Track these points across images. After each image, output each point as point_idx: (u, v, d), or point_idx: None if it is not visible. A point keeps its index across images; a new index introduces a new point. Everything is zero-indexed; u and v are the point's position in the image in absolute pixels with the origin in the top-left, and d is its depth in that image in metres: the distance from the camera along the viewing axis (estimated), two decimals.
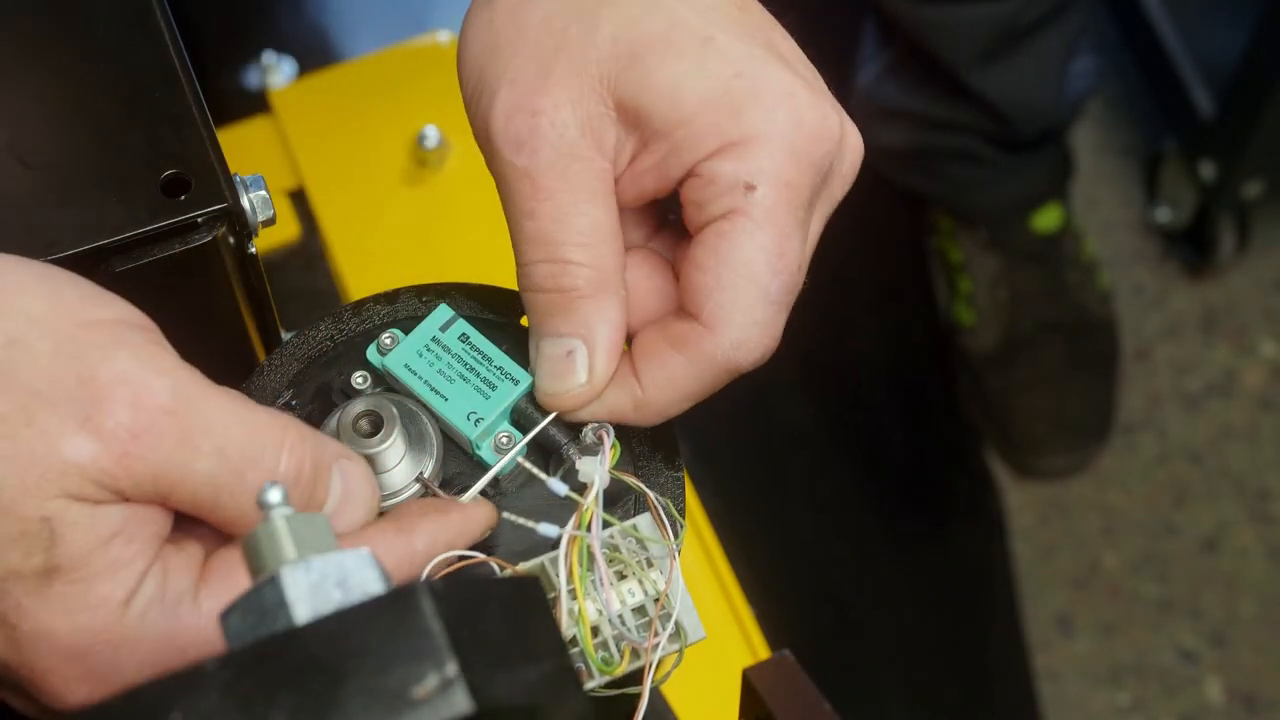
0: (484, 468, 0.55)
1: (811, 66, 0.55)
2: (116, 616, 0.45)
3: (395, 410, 0.53)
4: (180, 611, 0.46)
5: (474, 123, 0.54)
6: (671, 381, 0.53)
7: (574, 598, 0.50)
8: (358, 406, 0.53)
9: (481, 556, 0.52)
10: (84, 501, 0.45)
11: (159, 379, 0.46)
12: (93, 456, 0.44)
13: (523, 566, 0.52)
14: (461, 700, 0.36)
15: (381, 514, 0.54)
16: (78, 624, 0.45)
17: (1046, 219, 1.74)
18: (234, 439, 0.46)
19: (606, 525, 0.52)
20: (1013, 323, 1.76)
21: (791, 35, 0.56)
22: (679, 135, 0.51)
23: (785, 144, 0.51)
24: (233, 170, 0.58)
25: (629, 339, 0.54)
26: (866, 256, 1.88)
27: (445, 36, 1.03)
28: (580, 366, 0.53)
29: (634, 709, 0.50)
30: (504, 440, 0.55)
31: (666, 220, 0.57)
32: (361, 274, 0.94)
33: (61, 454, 0.44)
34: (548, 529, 0.51)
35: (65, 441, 0.44)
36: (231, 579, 0.47)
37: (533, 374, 0.54)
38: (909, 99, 1.63)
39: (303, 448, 0.48)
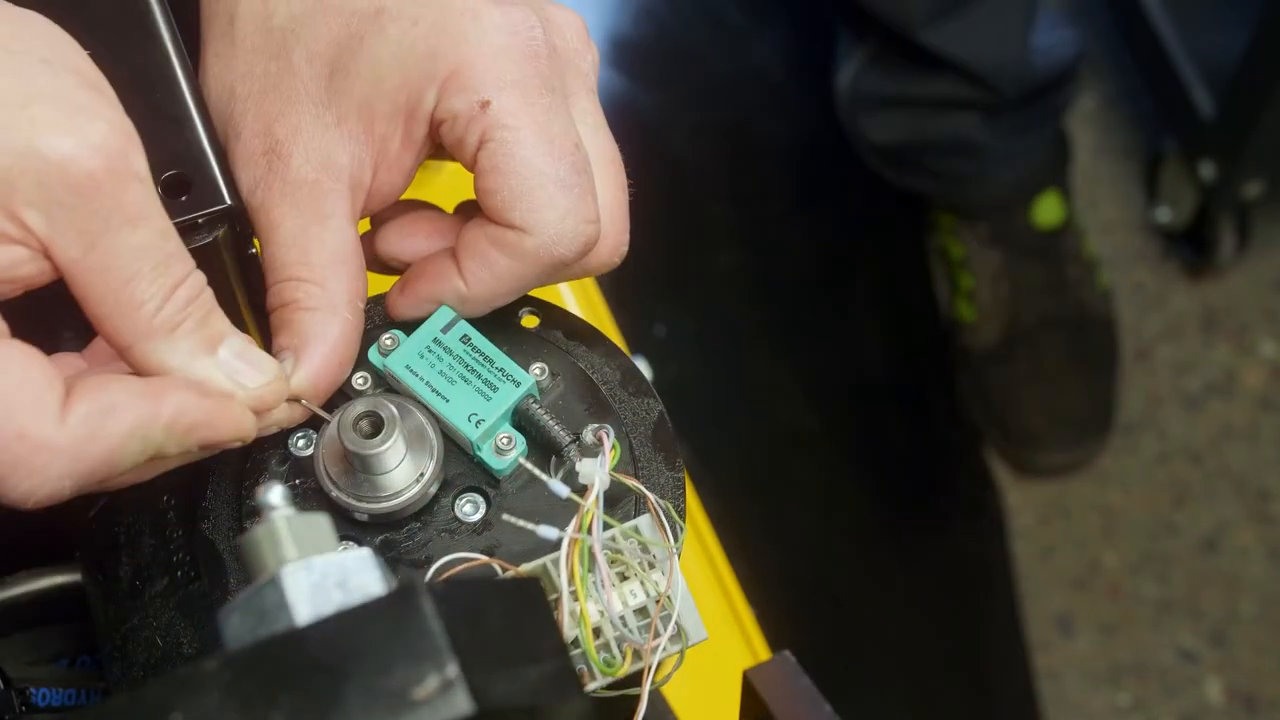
0: (485, 469, 0.55)
1: None
2: None
3: (395, 411, 0.53)
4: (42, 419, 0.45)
5: None
6: (496, 278, 0.55)
7: (576, 599, 0.50)
8: (358, 407, 0.53)
9: (483, 558, 0.52)
10: None
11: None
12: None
13: (524, 568, 0.52)
14: (462, 701, 0.36)
15: (384, 520, 0.54)
16: None
17: (1047, 213, 1.74)
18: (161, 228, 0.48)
19: (607, 527, 0.52)
20: (1014, 317, 1.76)
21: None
22: (402, 104, 0.54)
23: (488, 52, 0.53)
24: None
25: None
26: (866, 257, 1.88)
27: None
28: (284, 365, 0.53)
29: (634, 710, 0.50)
30: (505, 442, 0.55)
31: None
32: None
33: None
34: (548, 531, 0.51)
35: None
36: (100, 396, 0.46)
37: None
38: (889, 85, 1.65)
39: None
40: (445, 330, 0.56)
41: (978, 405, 1.80)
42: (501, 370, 0.55)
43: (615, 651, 0.51)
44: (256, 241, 0.59)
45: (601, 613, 0.51)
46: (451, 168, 0.95)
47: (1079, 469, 1.78)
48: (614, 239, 0.57)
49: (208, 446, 0.50)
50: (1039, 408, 1.76)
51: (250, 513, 0.54)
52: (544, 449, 0.55)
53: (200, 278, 0.50)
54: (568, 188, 0.53)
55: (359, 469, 0.53)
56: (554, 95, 0.54)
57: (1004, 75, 1.60)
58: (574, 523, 0.51)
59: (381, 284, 0.60)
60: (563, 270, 0.55)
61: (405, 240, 0.58)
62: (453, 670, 0.36)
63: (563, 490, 0.52)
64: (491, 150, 0.53)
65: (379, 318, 0.59)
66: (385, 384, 0.56)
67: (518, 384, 0.55)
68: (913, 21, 1.55)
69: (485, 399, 0.55)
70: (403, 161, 0.56)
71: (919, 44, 1.57)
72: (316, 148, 0.54)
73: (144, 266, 0.48)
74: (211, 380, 0.50)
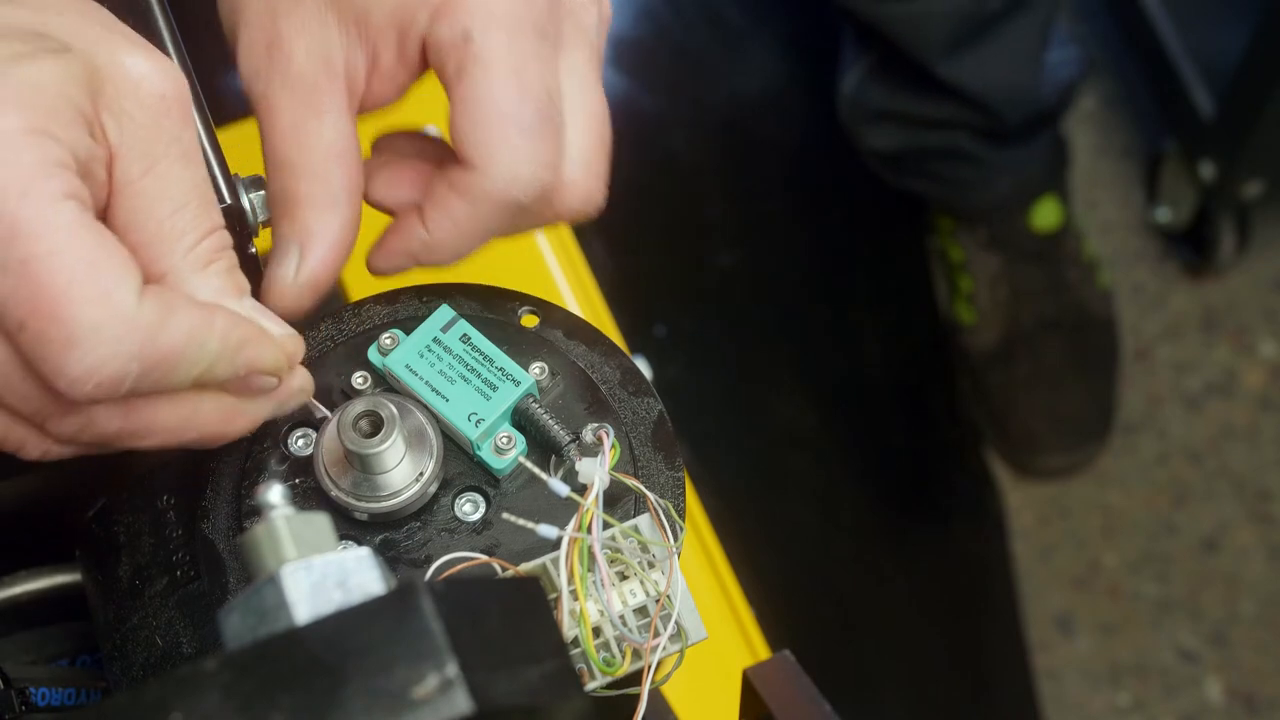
0: (484, 468, 0.55)
1: None
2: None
3: (395, 410, 0.53)
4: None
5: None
6: (455, 224, 0.55)
7: (575, 598, 0.50)
8: (358, 407, 0.53)
9: (483, 558, 0.52)
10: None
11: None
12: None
13: (524, 567, 0.52)
14: (462, 701, 0.36)
15: (384, 520, 0.54)
16: None
17: (1046, 217, 1.75)
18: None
19: (607, 526, 0.52)
20: (1013, 320, 1.76)
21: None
22: (395, 20, 0.55)
23: None
24: (233, 170, 0.58)
25: None
26: (866, 257, 1.88)
27: None
28: (290, 264, 0.55)
29: (634, 710, 0.50)
30: (504, 441, 0.55)
31: None
32: (362, 274, 0.94)
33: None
34: (548, 530, 0.51)
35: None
36: (164, 296, 0.47)
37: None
38: (894, 100, 1.65)
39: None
40: (445, 329, 0.56)
41: (978, 408, 1.80)
42: (501, 369, 0.55)
43: (615, 651, 0.51)
44: (256, 241, 0.60)
45: (601, 612, 0.51)
46: None
47: (1079, 471, 1.78)
48: (584, 188, 0.56)
49: (253, 372, 0.50)
50: (1039, 410, 1.76)
51: (250, 512, 0.54)
52: (543, 448, 0.55)
53: (229, 236, 0.51)
54: (526, 130, 0.53)
55: (358, 468, 0.53)
56: (542, 41, 0.54)
57: (1012, 105, 1.60)
58: (574, 522, 0.51)
59: (381, 284, 0.60)
60: (523, 216, 0.55)
61: (391, 190, 0.58)
62: (452, 669, 0.36)
63: (562, 489, 0.52)
64: (463, 84, 0.54)
65: (379, 317, 0.59)
66: (385, 383, 0.56)
67: (517, 383, 0.55)
68: (931, 53, 1.54)
69: (485, 398, 0.55)
70: (396, 76, 0.57)
71: (936, 76, 1.57)
72: (317, 45, 0.55)
73: (192, 200, 0.49)
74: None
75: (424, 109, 0.98)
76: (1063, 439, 1.76)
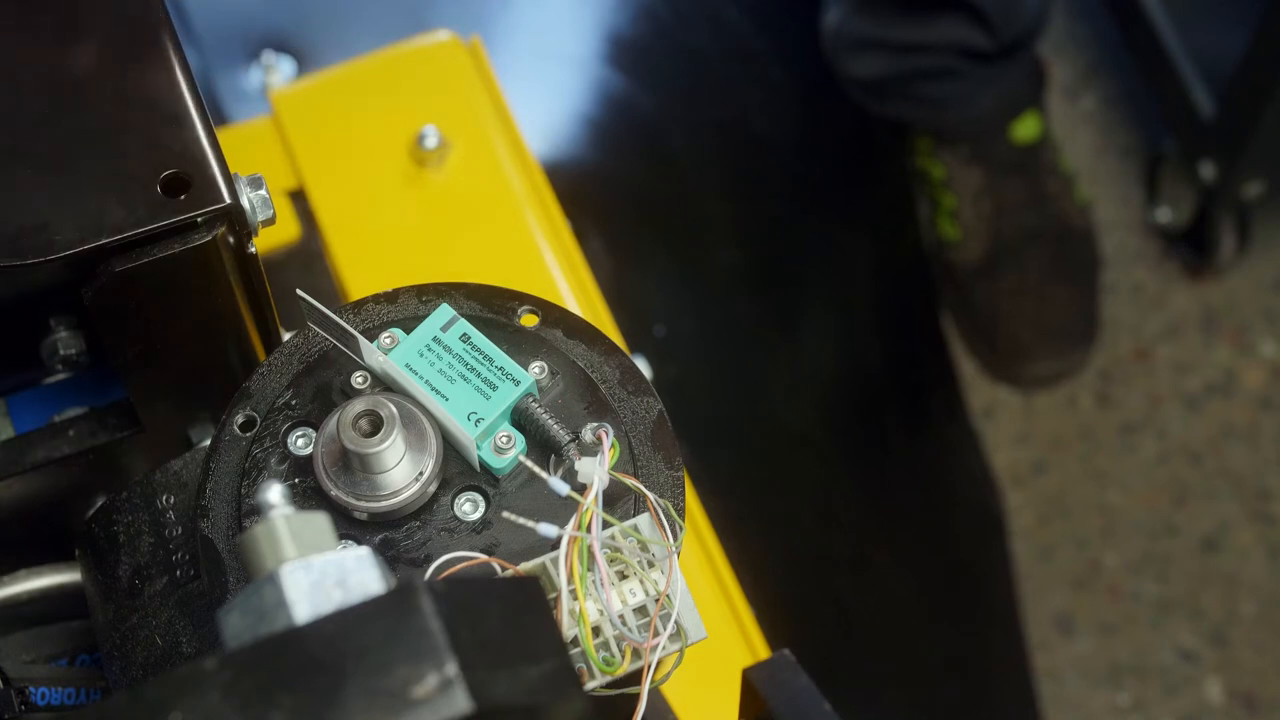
0: (484, 468, 0.55)
1: None
2: None
3: (395, 410, 0.53)
4: None
5: None
6: None
7: (575, 598, 0.50)
8: (357, 406, 0.53)
9: (483, 557, 0.52)
10: None
11: None
12: None
13: (524, 566, 0.52)
14: (461, 700, 0.36)
15: (383, 519, 0.54)
16: None
17: (1025, 129, 1.78)
18: None
19: (606, 526, 0.52)
20: (997, 232, 1.79)
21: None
22: None
23: None
24: (233, 170, 0.58)
25: None
26: (868, 252, 1.88)
27: (445, 36, 1.03)
28: None
29: (634, 709, 0.50)
30: (504, 440, 0.55)
31: None
32: (361, 274, 0.94)
33: None
34: (547, 529, 0.51)
35: None
36: None
37: None
38: (881, 29, 1.67)
39: None
40: (444, 329, 0.56)
41: (964, 321, 1.82)
42: (501, 369, 0.55)
43: (614, 650, 0.51)
44: (256, 240, 0.60)
45: (601, 611, 0.51)
46: (452, 165, 0.95)
47: (1066, 378, 1.79)
48: None
49: None
50: (1026, 319, 1.79)
51: (249, 511, 0.54)
52: (543, 448, 0.55)
53: None
54: None
55: (358, 468, 0.53)
56: None
57: (1008, 19, 1.62)
58: (573, 521, 0.51)
59: (379, 284, 0.60)
60: None
61: None
62: (452, 669, 0.36)
63: (562, 488, 0.52)
64: None
65: (378, 316, 0.59)
66: (384, 383, 0.56)
67: (517, 383, 0.55)
68: None
69: (485, 398, 0.55)
70: None
71: None
72: None
73: None
74: None
75: (424, 109, 0.98)
76: (1050, 346, 1.79)
